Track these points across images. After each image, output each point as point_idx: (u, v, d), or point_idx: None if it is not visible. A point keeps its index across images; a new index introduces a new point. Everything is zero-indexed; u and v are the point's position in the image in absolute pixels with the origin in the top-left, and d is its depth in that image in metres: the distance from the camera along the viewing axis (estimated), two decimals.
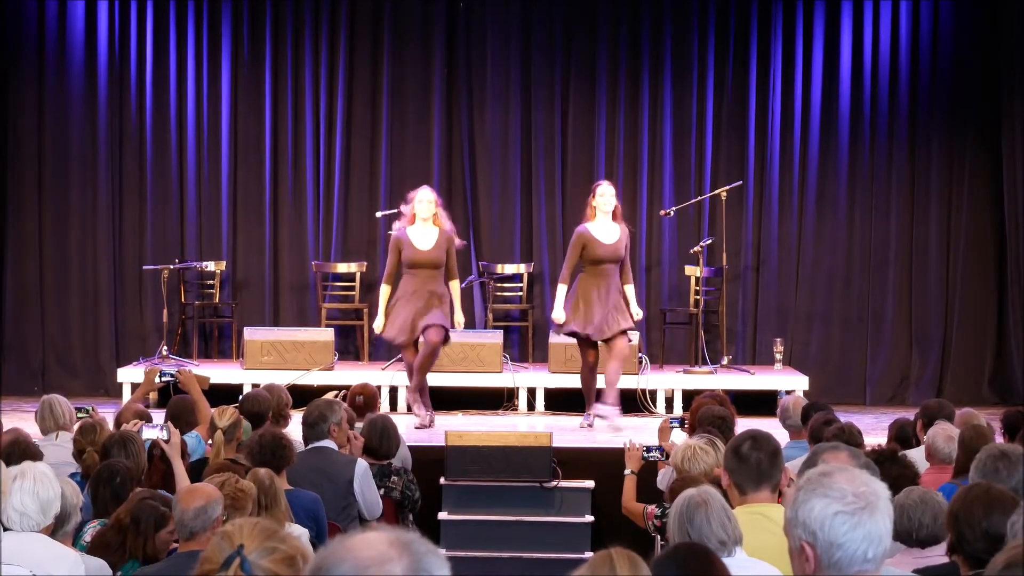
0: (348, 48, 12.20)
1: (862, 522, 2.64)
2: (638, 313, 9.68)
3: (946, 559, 4.26)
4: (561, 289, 9.61)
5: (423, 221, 9.46)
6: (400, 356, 11.08)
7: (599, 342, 9.54)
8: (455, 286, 9.60)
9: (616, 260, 9.52)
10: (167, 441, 5.90)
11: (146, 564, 4.78)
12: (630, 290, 9.67)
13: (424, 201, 9.44)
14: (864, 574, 2.66)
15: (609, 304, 9.45)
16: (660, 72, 12.16)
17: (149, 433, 5.95)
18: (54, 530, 4.62)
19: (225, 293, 12.20)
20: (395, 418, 7.68)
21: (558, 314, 9.58)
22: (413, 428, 9.43)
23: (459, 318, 9.62)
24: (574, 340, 10.71)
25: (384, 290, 9.64)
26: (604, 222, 9.53)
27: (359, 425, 7.18)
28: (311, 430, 6.58)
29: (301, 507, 5.72)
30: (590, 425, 9.65)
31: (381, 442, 6.92)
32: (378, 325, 9.64)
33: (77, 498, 4.77)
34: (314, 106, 12.22)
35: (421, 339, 9.49)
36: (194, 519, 4.49)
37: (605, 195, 9.55)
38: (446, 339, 9.55)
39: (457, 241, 9.77)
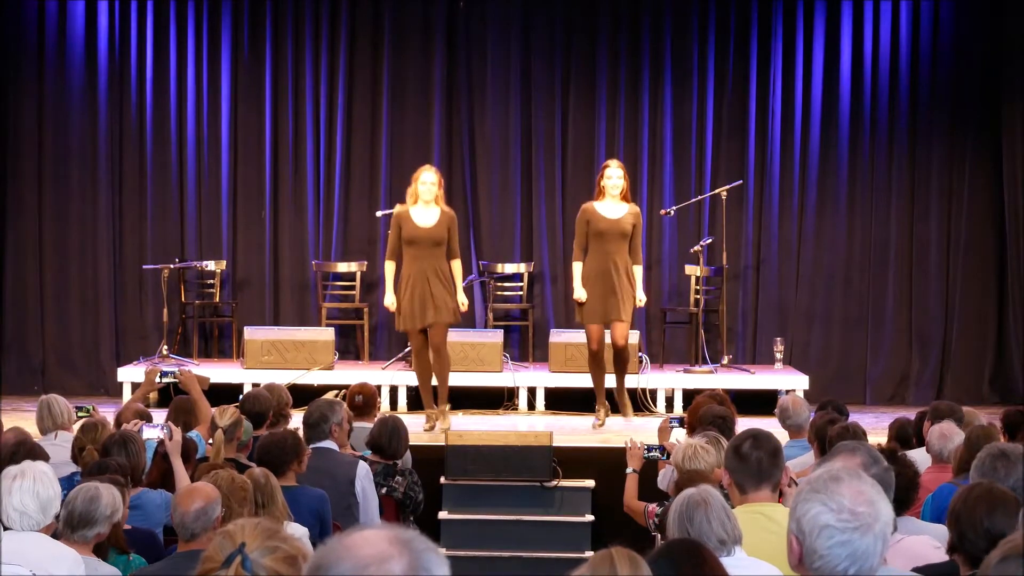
0: (348, 48, 12.19)
1: (851, 541, 2.62)
2: (641, 299, 9.63)
3: None
4: (576, 267, 9.65)
5: (425, 203, 9.43)
6: (400, 356, 11.11)
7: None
8: (456, 266, 9.48)
9: (620, 234, 9.49)
10: (171, 439, 5.90)
11: (121, 550, 4.80)
12: (638, 271, 9.63)
13: (427, 184, 9.38)
14: None
15: (613, 287, 9.45)
16: (660, 72, 12.15)
17: (149, 433, 5.95)
18: (66, 531, 4.61)
19: (225, 292, 12.19)
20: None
21: (578, 293, 9.61)
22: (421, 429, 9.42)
23: (462, 299, 9.44)
24: (575, 340, 10.72)
25: (388, 267, 9.58)
26: (611, 203, 9.55)
27: (366, 425, 7.18)
28: (312, 430, 6.59)
29: (307, 504, 5.73)
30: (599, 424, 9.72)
31: (390, 441, 6.94)
32: (390, 302, 9.49)
33: (112, 508, 4.66)
34: (314, 106, 12.21)
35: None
36: (195, 521, 4.48)
37: (612, 178, 9.54)
38: (454, 321, 9.52)
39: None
